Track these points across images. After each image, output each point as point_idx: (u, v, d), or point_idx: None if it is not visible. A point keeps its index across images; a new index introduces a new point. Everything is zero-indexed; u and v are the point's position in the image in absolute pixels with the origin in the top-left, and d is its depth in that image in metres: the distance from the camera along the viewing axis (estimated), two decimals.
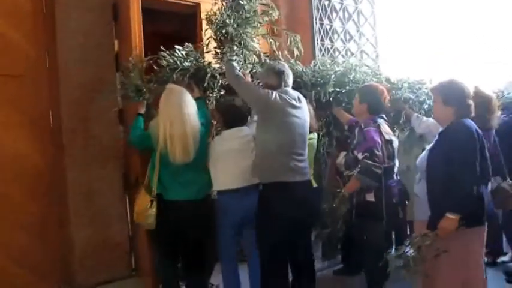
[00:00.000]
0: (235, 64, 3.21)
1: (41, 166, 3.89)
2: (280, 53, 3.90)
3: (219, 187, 3.29)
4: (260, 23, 3.56)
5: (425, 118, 3.73)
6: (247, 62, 3.36)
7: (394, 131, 3.61)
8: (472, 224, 2.66)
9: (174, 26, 4.99)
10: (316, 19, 5.21)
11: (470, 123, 2.74)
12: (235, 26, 3.31)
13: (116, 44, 4.16)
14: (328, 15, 5.37)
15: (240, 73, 3.21)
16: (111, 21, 4.13)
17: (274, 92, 2.99)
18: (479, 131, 2.74)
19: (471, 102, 2.81)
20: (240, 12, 3.34)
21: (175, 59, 3.35)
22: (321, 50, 5.20)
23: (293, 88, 3.24)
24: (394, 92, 3.84)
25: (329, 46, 5.28)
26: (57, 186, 3.94)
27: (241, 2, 3.35)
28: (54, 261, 3.95)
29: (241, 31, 3.35)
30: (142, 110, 3.49)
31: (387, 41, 5.90)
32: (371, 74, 3.94)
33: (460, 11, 5.95)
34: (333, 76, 3.80)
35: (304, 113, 3.12)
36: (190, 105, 3.10)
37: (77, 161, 3.92)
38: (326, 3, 5.36)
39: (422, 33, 6.09)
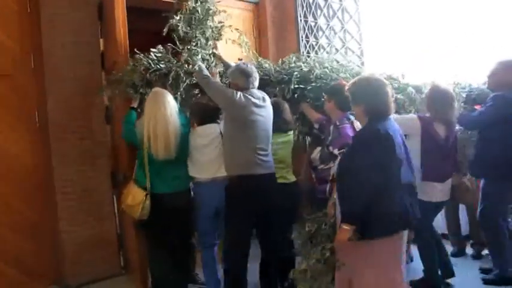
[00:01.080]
0: (203, 66, 3.44)
1: (30, 165, 3.90)
2: (252, 52, 4.07)
3: (194, 177, 3.50)
4: (216, 27, 3.73)
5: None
6: (204, 62, 3.52)
7: None
8: (378, 234, 2.53)
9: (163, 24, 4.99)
10: (301, 16, 5.26)
11: (383, 125, 2.57)
12: (187, 27, 3.48)
13: (101, 42, 4.18)
14: (313, 12, 5.42)
15: (208, 74, 3.39)
16: (97, 21, 4.15)
17: (239, 93, 3.18)
18: (396, 133, 2.61)
19: (384, 99, 2.65)
20: (193, 15, 3.52)
21: (150, 61, 3.50)
22: (305, 46, 5.24)
23: (260, 85, 3.43)
24: None
25: (314, 43, 5.33)
26: (46, 185, 3.95)
27: (193, 4, 3.53)
28: (44, 260, 3.97)
29: (196, 33, 3.52)
30: (135, 104, 3.59)
31: (372, 38, 5.95)
32: (341, 71, 3.96)
33: (446, 7, 6.01)
34: (295, 73, 3.86)
35: (267, 111, 3.30)
36: (172, 106, 3.30)
37: (65, 159, 3.93)
38: (311, 0, 5.41)
39: (407, 29, 6.14)
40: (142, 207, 3.28)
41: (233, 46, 3.95)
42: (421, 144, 3.56)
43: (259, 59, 4.11)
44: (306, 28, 5.32)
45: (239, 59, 4.00)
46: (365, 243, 2.54)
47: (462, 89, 4.29)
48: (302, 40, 5.25)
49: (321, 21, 5.49)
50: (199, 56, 3.51)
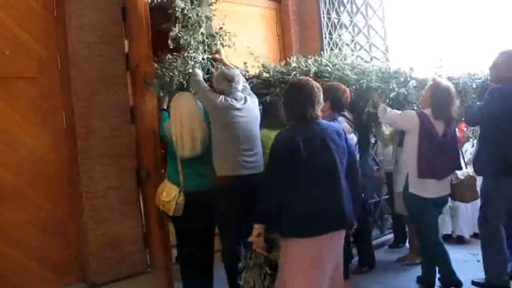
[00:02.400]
0: (198, 71, 3.60)
1: (56, 164, 3.98)
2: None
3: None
4: (212, 34, 3.83)
5: (389, 109, 3.71)
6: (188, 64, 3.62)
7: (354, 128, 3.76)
8: (289, 234, 2.64)
9: None
10: (323, 13, 5.22)
11: (296, 130, 2.69)
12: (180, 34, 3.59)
13: (126, 43, 4.24)
14: (336, 9, 5.37)
15: (201, 78, 3.55)
16: (121, 21, 4.20)
17: (221, 96, 3.34)
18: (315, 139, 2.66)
19: (301, 105, 2.73)
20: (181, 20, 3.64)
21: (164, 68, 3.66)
22: (329, 43, 5.20)
23: (264, 85, 3.86)
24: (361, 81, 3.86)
25: (337, 40, 5.28)
26: (72, 184, 4.03)
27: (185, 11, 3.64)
28: (70, 258, 4.04)
29: (191, 38, 3.63)
30: (165, 105, 3.71)
31: (397, 33, 5.87)
32: (340, 69, 3.94)
33: (471, 2, 5.89)
34: (292, 75, 3.92)
35: (249, 112, 3.42)
36: (195, 106, 3.47)
37: (91, 158, 3.99)
38: None
39: (432, 24, 6.04)
40: (176, 202, 3.41)
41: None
42: (418, 141, 3.53)
43: (263, 61, 4.22)
44: (329, 25, 5.27)
45: (245, 64, 4.12)
46: (284, 243, 2.69)
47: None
48: (325, 37, 5.21)
49: (344, 17, 5.44)
50: (195, 61, 3.62)
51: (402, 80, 3.82)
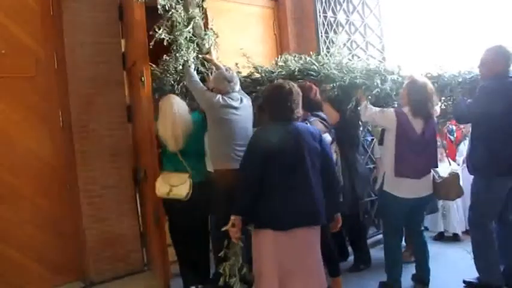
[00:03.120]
0: (192, 70, 3.72)
1: (53, 163, 4.00)
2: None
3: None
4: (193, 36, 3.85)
5: (370, 107, 3.71)
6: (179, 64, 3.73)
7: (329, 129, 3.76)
8: (259, 225, 2.84)
9: None
10: (319, 12, 5.22)
11: (267, 130, 2.87)
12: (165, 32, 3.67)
13: (122, 43, 4.25)
14: (332, 8, 5.37)
15: (196, 77, 3.67)
16: (117, 21, 4.22)
17: (218, 95, 3.46)
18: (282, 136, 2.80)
19: (278, 105, 2.88)
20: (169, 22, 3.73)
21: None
22: (325, 42, 5.21)
23: (254, 84, 4.04)
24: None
25: (334, 38, 5.28)
26: (69, 183, 4.05)
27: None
28: (68, 256, 4.07)
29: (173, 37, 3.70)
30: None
31: (394, 32, 5.88)
32: (326, 68, 3.99)
33: (467, 1, 5.91)
34: (276, 73, 4.09)
35: (245, 110, 3.55)
36: (178, 105, 3.63)
37: (88, 157, 4.01)
38: None
39: (429, 23, 6.05)
40: (189, 185, 3.52)
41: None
42: (396, 139, 3.52)
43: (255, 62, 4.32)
44: (326, 24, 5.28)
45: (236, 64, 4.21)
46: (256, 234, 2.88)
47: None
48: (322, 36, 5.21)
49: (341, 16, 5.44)
50: (185, 60, 3.72)
51: (383, 77, 3.86)
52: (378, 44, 5.69)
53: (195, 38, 3.83)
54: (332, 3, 5.37)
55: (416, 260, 3.85)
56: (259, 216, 2.81)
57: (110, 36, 4.16)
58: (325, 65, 4.00)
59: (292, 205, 2.76)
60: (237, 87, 3.62)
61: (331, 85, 3.83)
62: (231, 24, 5.16)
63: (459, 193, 3.76)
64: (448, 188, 3.66)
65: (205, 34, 3.90)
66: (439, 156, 3.78)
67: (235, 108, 3.49)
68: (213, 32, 3.97)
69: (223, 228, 2.89)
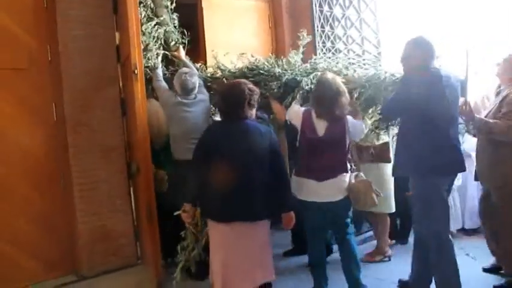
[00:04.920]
0: (158, 71, 4.25)
1: (45, 157, 3.97)
2: None
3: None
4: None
5: (293, 106, 3.67)
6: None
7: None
8: (204, 215, 3.16)
9: (179, 14, 5.06)
10: (316, 6, 5.21)
11: (217, 126, 3.17)
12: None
13: (117, 36, 4.22)
14: (329, 2, 5.36)
15: (160, 79, 4.22)
16: (111, 14, 4.17)
17: (173, 95, 4.07)
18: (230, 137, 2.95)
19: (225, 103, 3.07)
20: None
21: None
22: (321, 36, 5.20)
23: (214, 82, 4.40)
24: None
25: (329, 33, 5.28)
26: (61, 176, 4.03)
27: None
28: (60, 251, 4.04)
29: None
30: None
31: (389, 27, 5.86)
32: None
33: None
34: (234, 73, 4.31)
35: (198, 106, 4.05)
36: (158, 109, 4.19)
37: (81, 151, 3.98)
38: None
39: (425, 18, 6.03)
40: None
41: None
42: (299, 138, 3.50)
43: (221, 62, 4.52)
44: (322, 18, 5.26)
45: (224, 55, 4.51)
46: (208, 224, 3.11)
47: None
48: (317, 30, 5.20)
49: (337, 10, 5.43)
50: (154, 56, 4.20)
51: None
52: (373, 39, 5.68)
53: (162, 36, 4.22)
54: None
55: (344, 272, 3.57)
56: (204, 207, 3.04)
57: (104, 29, 4.11)
58: (272, 64, 4.11)
59: (231, 199, 2.88)
60: (194, 85, 4.07)
61: (275, 83, 3.91)
62: (226, 18, 5.15)
63: (374, 202, 3.52)
64: (363, 196, 3.46)
65: (173, 32, 4.32)
66: None
67: (189, 105, 4.01)
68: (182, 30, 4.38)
69: (175, 213, 3.23)
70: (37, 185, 3.92)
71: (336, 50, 5.23)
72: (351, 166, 3.54)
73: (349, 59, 4.69)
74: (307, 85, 3.79)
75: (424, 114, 3.14)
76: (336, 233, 3.70)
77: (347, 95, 3.47)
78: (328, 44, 5.25)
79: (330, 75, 3.50)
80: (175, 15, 4.47)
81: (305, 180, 3.43)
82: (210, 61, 4.64)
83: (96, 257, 4.03)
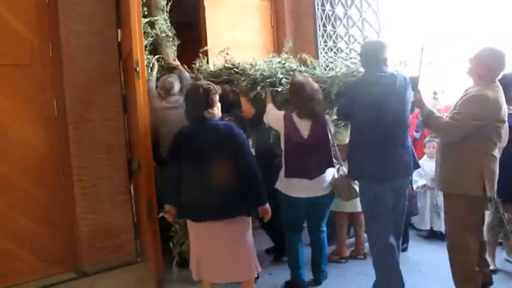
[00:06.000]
0: (153, 73, 4.40)
1: (47, 153, 3.98)
2: None
3: None
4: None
5: (270, 110, 3.68)
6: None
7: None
8: (180, 215, 3.20)
9: (181, 12, 5.06)
10: (318, 5, 5.20)
11: (187, 127, 3.06)
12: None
13: (118, 32, 4.22)
14: (331, 1, 5.35)
15: (152, 85, 4.30)
16: (113, 10, 4.17)
17: (158, 100, 4.22)
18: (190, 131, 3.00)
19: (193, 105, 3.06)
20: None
21: None
22: (323, 36, 5.19)
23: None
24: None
25: (331, 32, 5.27)
26: (63, 173, 4.03)
27: None
28: (61, 247, 4.06)
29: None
30: None
31: (391, 27, 5.86)
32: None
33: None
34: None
35: (179, 110, 3.80)
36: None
37: (82, 148, 3.99)
38: None
39: (426, 19, 6.04)
40: None
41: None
42: (284, 141, 3.52)
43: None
44: (324, 17, 5.25)
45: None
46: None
47: None
48: (319, 29, 5.19)
49: (339, 10, 5.42)
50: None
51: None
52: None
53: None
54: None
55: (312, 259, 3.84)
56: (180, 208, 3.06)
57: (106, 26, 4.12)
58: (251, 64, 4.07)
59: (202, 199, 2.91)
60: (176, 90, 4.22)
61: (244, 79, 3.90)
62: (228, 16, 5.13)
63: (350, 196, 3.62)
64: (340, 190, 3.60)
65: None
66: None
67: (171, 109, 4.11)
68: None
69: (160, 215, 3.30)
70: (38, 181, 3.93)
71: (337, 49, 5.22)
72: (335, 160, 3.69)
73: (350, 58, 4.67)
74: (275, 83, 3.81)
75: (368, 119, 3.17)
76: (312, 224, 3.80)
77: (321, 92, 3.57)
78: (330, 43, 5.24)
79: (301, 77, 3.60)
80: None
81: (296, 180, 3.51)
82: (211, 60, 4.63)
83: (97, 254, 4.04)
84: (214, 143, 2.91)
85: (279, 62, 4.07)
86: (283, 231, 3.80)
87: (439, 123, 3.12)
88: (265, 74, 3.82)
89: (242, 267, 3.04)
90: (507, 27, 5.51)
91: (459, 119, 3.00)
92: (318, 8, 5.20)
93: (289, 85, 3.63)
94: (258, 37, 5.42)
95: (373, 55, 3.26)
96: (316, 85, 3.54)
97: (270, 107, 3.69)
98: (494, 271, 3.80)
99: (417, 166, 4.26)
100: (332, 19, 5.34)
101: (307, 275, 3.79)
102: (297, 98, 3.50)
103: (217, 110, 3.06)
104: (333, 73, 3.85)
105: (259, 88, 3.76)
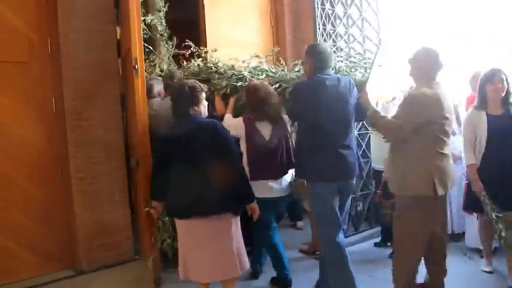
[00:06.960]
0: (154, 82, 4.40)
1: (45, 151, 3.97)
2: None
3: None
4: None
5: (228, 116, 3.81)
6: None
7: None
8: (167, 213, 3.22)
9: (181, 11, 5.07)
10: (317, 3, 5.19)
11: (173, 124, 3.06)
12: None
13: (117, 30, 4.21)
14: (331, 0, 5.34)
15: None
16: (112, 8, 4.17)
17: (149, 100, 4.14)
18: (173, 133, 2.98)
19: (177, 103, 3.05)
20: None
21: None
22: (322, 35, 5.18)
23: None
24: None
25: (331, 31, 5.26)
26: (61, 170, 4.03)
27: None
28: (59, 245, 4.06)
29: None
30: None
31: (391, 27, 5.84)
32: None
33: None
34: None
35: (162, 109, 3.88)
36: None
37: (80, 145, 3.98)
38: None
39: (427, 18, 6.02)
40: None
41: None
42: (246, 146, 3.59)
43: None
44: (323, 16, 5.24)
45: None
46: None
47: None
48: (319, 28, 5.18)
49: (339, 9, 5.41)
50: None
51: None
52: (375, 38, 5.66)
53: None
54: None
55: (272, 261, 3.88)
56: (166, 205, 3.07)
57: (106, 24, 4.12)
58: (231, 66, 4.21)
59: (186, 197, 2.91)
60: (156, 91, 4.26)
61: (217, 77, 4.08)
62: (227, 15, 5.14)
63: (307, 195, 3.60)
64: (300, 189, 3.70)
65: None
66: None
67: (154, 109, 4.04)
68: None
69: (145, 210, 3.36)
70: (36, 179, 3.93)
71: (337, 49, 5.20)
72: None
73: (350, 57, 4.67)
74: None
75: (310, 120, 3.27)
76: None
77: (276, 96, 3.71)
78: (330, 42, 5.22)
79: (256, 81, 3.76)
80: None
81: (262, 182, 3.58)
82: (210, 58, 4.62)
83: (95, 251, 4.04)
84: (198, 139, 2.90)
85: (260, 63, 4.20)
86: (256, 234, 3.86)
87: (383, 122, 3.09)
88: (235, 73, 3.99)
89: (225, 266, 3.00)
90: (507, 27, 5.50)
91: (400, 118, 2.99)
92: (317, 7, 5.18)
93: (245, 90, 3.76)
94: (257, 36, 5.43)
95: (325, 58, 3.33)
96: (272, 89, 3.70)
97: (227, 117, 3.82)
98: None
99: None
100: (332, 18, 5.32)
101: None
102: (252, 102, 3.63)
103: (203, 108, 3.06)
104: (297, 73, 4.02)
105: (225, 84, 3.94)
